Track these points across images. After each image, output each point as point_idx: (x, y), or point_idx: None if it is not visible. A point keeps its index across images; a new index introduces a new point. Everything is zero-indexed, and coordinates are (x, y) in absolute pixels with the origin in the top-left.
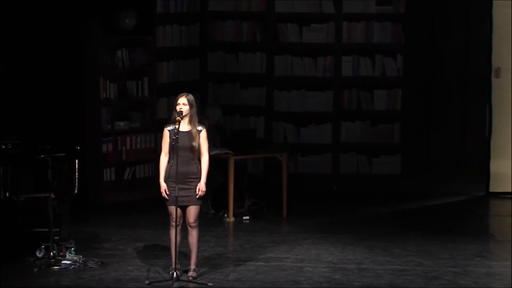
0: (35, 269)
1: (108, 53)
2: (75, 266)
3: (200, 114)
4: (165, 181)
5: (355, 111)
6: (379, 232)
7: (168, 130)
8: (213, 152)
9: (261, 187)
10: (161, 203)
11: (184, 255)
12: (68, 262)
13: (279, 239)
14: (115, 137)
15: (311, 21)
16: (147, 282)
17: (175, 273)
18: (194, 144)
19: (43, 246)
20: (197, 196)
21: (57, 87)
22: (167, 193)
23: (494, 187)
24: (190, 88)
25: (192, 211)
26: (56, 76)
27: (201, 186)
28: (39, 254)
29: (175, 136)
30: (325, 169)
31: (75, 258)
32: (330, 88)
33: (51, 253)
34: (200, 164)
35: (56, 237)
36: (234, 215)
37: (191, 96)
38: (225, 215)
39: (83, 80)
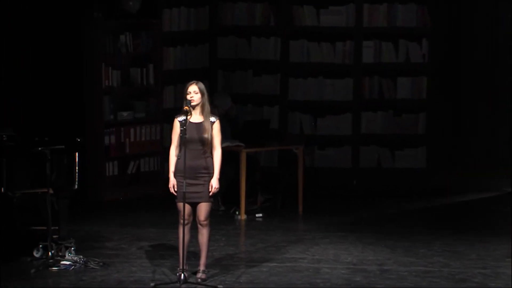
0: (33, 270)
1: (111, 38)
2: (75, 267)
3: (210, 103)
4: (174, 176)
5: (376, 100)
6: (402, 230)
7: (179, 121)
8: (223, 145)
9: (275, 182)
10: (168, 200)
11: (192, 255)
12: (67, 262)
13: (295, 238)
14: (118, 128)
15: (329, 3)
16: (152, 284)
17: (182, 274)
18: (206, 136)
19: (41, 246)
20: (210, 194)
21: (55, 75)
22: (176, 189)
23: None
24: (198, 76)
25: (203, 209)
26: (55, 63)
27: (214, 183)
28: (36, 254)
29: (182, 127)
30: (344, 163)
31: (75, 258)
32: (350, 76)
33: (50, 253)
34: (212, 158)
35: (54, 236)
36: (246, 212)
37: (201, 84)
38: (237, 212)
39: (83, 68)
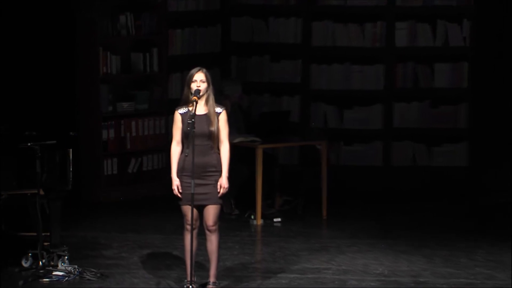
0: (21, 282)
1: (109, 19)
2: (69, 278)
3: (220, 94)
4: (177, 176)
5: (411, 89)
6: (440, 237)
7: (180, 114)
8: (237, 140)
9: (296, 182)
10: (173, 202)
11: (201, 265)
12: (60, 273)
13: (318, 246)
14: (118, 122)
15: None
16: None
17: (190, 287)
18: (213, 129)
19: (30, 254)
20: (219, 194)
21: (45, 62)
22: (180, 190)
23: None
24: (209, 62)
25: (212, 212)
26: (44, 47)
27: (223, 182)
28: (25, 264)
29: (190, 120)
30: (374, 160)
31: (69, 268)
32: (381, 62)
33: (40, 263)
34: (219, 154)
35: (45, 243)
36: (262, 217)
37: (207, 71)
38: (252, 217)
39: (77, 52)
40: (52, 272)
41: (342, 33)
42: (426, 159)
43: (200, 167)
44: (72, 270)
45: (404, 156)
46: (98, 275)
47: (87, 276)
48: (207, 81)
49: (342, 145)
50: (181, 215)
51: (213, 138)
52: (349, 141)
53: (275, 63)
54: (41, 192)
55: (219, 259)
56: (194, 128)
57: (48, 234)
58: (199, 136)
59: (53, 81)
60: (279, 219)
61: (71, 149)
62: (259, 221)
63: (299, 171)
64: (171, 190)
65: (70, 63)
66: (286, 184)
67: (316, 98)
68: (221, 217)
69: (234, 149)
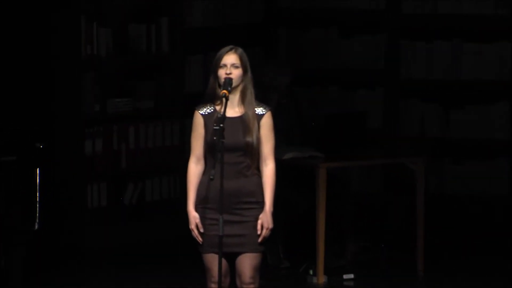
0: None
1: None
2: None
3: (262, 86)
4: (197, 209)
5: None
6: None
7: (203, 116)
8: (288, 156)
9: (377, 220)
10: (191, 249)
11: None
12: None
13: None
14: (108, 127)
15: None
16: None
17: None
18: (251, 140)
19: None
20: (260, 239)
21: (6, 38)
22: (202, 230)
23: None
24: (245, 38)
25: (249, 264)
26: (6, 16)
27: (266, 219)
28: None
29: (218, 125)
30: (498, 186)
31: None
32: (510, 38)
33: None
34: (260, 177)
35: None
36: (327, 272)
37: (243, 52)
38: (311, 272)
39: (53, 24)
40: None
41: None
42: None
43: (231, 197)
44: None
45: None
46: None
47: None
48: (243, 66)
49: (447, 163)
50: (202, 268)
51: (252, 153)
52: (459, 157)
53: (345, 40)
54: None
55: None
56: (224, 137)
57: None
58: (231, 149)
59: (18, 68)
60: (351, 276)
61: (38, 169)
62: (321, 279)
63: (383, 203)
64: (188, 230)
65: (43, 41)
66: (363, 222)
67: (408, 93)
68: (264, 271)
69: (283, 169)
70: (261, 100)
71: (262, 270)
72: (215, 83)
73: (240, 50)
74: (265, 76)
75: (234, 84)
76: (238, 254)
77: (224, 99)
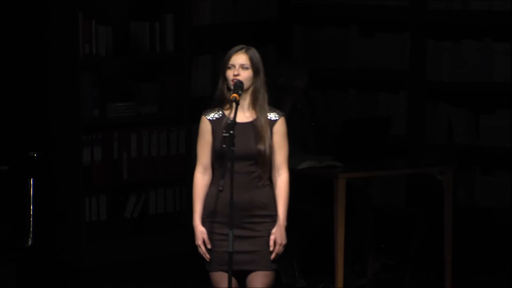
0: None
1: None
2: None
3: (276, 89)
4: (204, 223)
5: None
6: None
7: (210, 121)
8: (303, 165)
9: (402, 236)
10: (197, 264)
11: None
12: None
13: None
14: (108, 134)
15: None
16: None
17: None
18: (263, 148)
19: None
20: (272, 255)
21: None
22: (209, 246)
23: None
24: (258, 36)
25: (261, 282)
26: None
27: (279, 235)
28: None
29: (227, 132)
30: None
31: None
32: None
33: None
34: (272, 189)
35: None
36: None
37: (255, 52)
38: None
39: (49, 22)
40: None
41: None
42: None
43: (242, 210)
44: None
45: None
46: None
47: None
48: (254, 67)
49: (477, 173)
50: (206, 286)
51: (264, 162)
52: (489, 166)
53: (366, 39)
54: None
55: None
56: (234, 145)
57: None
58: (241, 158)
59: (10, 70)
60: None
61: (32, 180)
62: None
63: (407, 217)
64: (194, 246)
65: (38, 40)
66: (386, 238)
67: (434, 96)
68: None
69: (298, 180)
70: (274, 104)
71: None
72: (224, 86)
73: (252, 50)
74: (279, 79)
75: (244, 88)
76: (249, 272)
77: (234, 104)
